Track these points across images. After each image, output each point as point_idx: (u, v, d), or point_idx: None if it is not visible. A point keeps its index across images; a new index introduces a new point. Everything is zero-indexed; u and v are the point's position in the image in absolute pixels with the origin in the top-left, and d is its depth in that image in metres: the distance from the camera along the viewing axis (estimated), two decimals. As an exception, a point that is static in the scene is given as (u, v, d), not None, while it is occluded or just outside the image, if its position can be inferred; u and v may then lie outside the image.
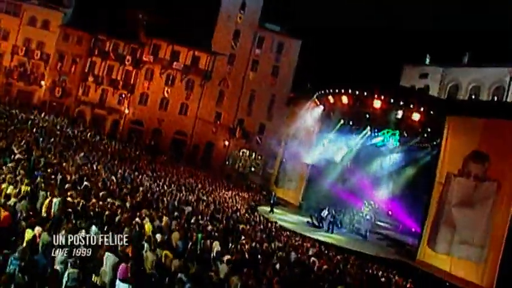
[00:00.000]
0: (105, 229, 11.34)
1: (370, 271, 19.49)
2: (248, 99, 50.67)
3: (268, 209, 29.63)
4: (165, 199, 19.55)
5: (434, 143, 26.79)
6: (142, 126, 47.16)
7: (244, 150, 51.27)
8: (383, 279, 18.66)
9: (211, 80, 48.41)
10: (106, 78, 45.43)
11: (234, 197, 28.99)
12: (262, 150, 50.53)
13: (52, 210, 12.08)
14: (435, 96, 36.51)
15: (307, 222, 27.73)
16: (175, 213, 17.19)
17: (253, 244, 16.10)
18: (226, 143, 49.96)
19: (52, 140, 24.81)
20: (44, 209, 12.25)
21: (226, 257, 12.27)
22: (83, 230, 10.43)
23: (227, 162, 50.68)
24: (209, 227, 16.80)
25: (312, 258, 16.93)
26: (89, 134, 33.99)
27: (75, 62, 45.45)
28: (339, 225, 28.80)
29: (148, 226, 13.44)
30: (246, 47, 49.57)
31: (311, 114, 33.08)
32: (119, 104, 46.46)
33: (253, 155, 51.73)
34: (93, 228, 11.09)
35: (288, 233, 22.23)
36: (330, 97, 28.71)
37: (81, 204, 12.94)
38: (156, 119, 47.28)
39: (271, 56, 50.66)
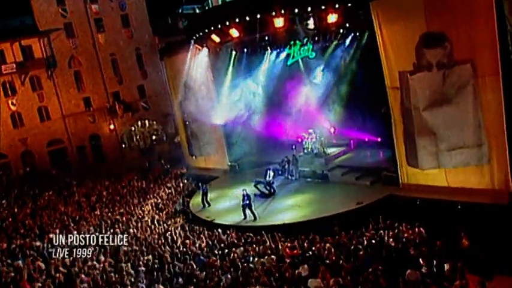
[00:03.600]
0: None
1: (373, 241, 14.54)
2: (111, 66, 41.98)
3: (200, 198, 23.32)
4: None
5: (357, 33, 21.75)
6: (6, 157, 37.27)
7: (135, 124, 43.73)
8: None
9: (59, 65, 38.82)
10: None
11: (158, 213, 22.18)
12: (154, 113, 43.61)
13: None
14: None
15: (255, 195, 22.00)
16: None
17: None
18: (112, 126, 41.72)
19: None
20: None
21: None
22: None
23: (123, 146, 42.98)
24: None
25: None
26: None
27: None
28: (292, 176, 23.78)
29: None
30: (79, 8, 39.86)
31: (197, 61, 26.16)
32: (-38, 148, 35.88)
33: (147, 123, 44.59)
34: None
35: (252, 244, 16.06)
36: (214, 36, 21.86)
37: None
38: (17, 141, 37.45)
39: (114, 6, 41.46)
